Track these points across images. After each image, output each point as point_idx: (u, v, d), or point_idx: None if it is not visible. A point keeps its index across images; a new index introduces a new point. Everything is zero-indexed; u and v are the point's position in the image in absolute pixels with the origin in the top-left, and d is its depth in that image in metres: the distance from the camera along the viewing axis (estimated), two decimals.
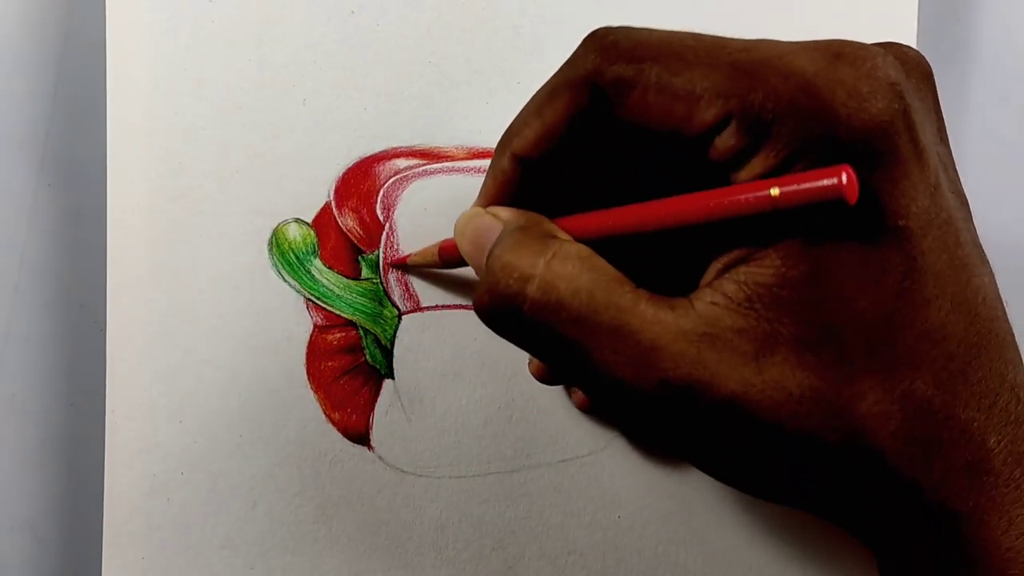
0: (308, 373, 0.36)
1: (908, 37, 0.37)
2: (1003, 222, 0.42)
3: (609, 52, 0.23)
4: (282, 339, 0.35)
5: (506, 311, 0.23)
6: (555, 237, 0.24)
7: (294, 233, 0.36)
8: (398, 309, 0.36)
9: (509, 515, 0.36)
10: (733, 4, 0.37)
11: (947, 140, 0.24)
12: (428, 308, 0.36)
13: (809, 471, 0.22)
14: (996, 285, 0.23)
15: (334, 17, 0.36)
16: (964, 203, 0.24)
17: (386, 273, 0.36)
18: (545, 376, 0.32)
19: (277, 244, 0.35)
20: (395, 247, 0.36)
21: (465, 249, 0.27)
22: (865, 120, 0.20)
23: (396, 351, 0.36)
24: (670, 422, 0.22)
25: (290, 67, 0.35)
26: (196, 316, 0.35)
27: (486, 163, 0.36)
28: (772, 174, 0.21)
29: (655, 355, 0.21)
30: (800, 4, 0.37)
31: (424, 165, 0.36)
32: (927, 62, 0.24)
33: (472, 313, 0.36)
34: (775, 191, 0.20)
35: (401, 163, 0.36)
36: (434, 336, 0.36)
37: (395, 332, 0.36)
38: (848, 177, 0.20)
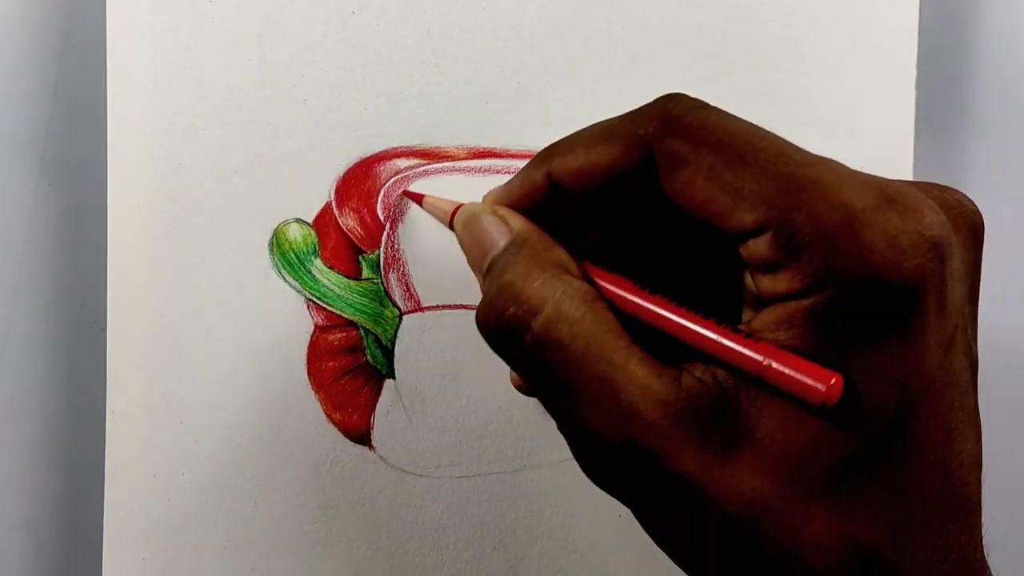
0: (309, 373, 0.36)
1: (908, 38, 0.38)
2: (1005, 222, 0.42)
3: (672, 124, 0.23)
4: (283, 339, 0.35)
5: (507, 336, 0.24)
6: (565, 270, 0.24)
7: (295, 233, 0.35)
8: (399, 309, 0.36)
9: (510, 515, 0.36)
10: (734, 2, 0.37)
11: (976, 299, 0.24)
12: (429, 308, 0.36)
13: (747, 562, 0.22)
14: (980, 449, 0.24)
15: (334, 17, 0.35)
16: (974, 365, 0.24)
17: (387, 273, 0.36)
18: (524, 388, 0.32)
19: (278, 244, 0.35)
20: (396, 247, 0.36)
21: (465, 244, 0.27)
22: (897, 275, 0.20)
23: (397, 351, 0.36)
24: (625, 478, 0.23)
25: (290, 67, 0.35)
26: (196, 316, 0.35)
27: (486, 163, 0.36)
28: (791, 296, 0.21)
29: (630, 417, 0.22)
30: (802, 4, 0.37)
31: (424, 165, 0.36)
32: (980, 216, 0.24)
33: (473, 313, 0.36)
34: (769, 363, 0.21)
35: (401, 163, 0.36)
36: (435, 336, 0.36)
37: (396, 332, 0.36)
38: (836, 386, 0.20)
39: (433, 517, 0.36)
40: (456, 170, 0.36)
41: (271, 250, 0.35)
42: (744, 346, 0.21)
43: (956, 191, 0.24)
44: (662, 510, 0.23)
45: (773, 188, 0.21)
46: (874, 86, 0.38)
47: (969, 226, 0.23)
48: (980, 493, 0.23)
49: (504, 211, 0.26)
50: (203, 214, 0.35)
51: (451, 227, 0.31)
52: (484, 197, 0.27)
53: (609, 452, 0.22)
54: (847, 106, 0.38)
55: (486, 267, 0.25)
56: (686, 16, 0.37)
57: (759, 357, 0.21)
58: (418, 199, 0.35)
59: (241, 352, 0.35)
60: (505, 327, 0.24)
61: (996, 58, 0.42)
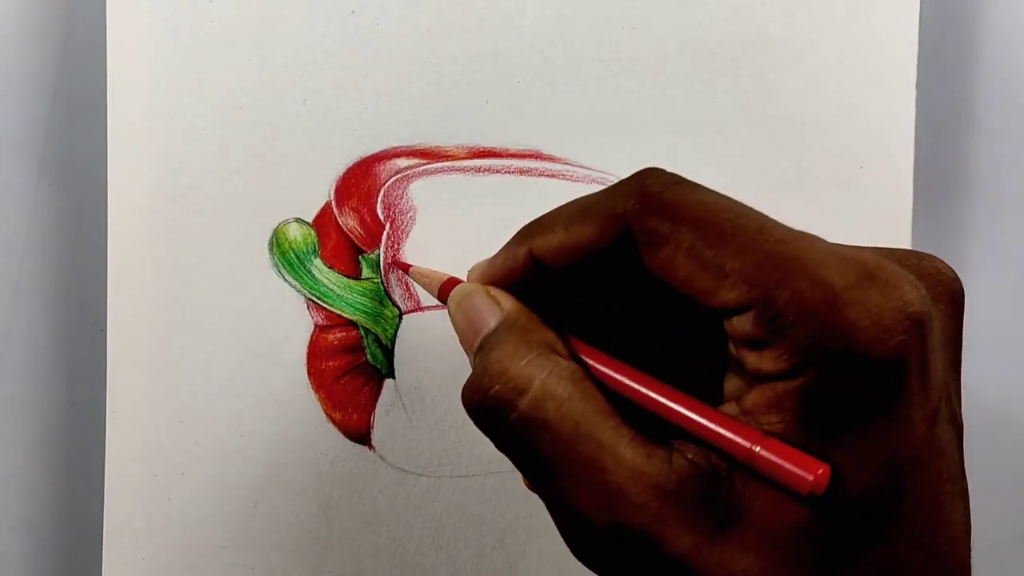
0: (309, 373, 0.36)
1: (908, 38, 0.38)
2: (1004, 220, 0.42)
3: (650, 201, 0.23)
4: (283, 339, 0.35)
5: (493, 415, 0.24)
6: (553, 350, 0.24)
7: (295, 233, 0.36)
8: (399, 309, 0.36)
9: (510, 514, 0.36)
10: (734, 2, 0.37)
11: (959, 366, 0.24)
12: (429, 308, 0.36)
13: None
14: (968, 514, 0.24)
15: (334, 17, 0.36)
16: (959, 431, 0.24)
17: (387, 273, 0.36)
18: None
19: (278, 244, 0.35)
20: (396, 247, 0.36)
21: (457, 322, 0.27)
22: (880, 353, 0.20)
23: (397, 351, 0.36)
24: (616, 563, 0.23)
25: (290, 67, 0.35)
26: (196, 316, 0.35)
27: (486, 163, 0.36)
28: (778, 376, 0.21)
29: (618, 499, 0.22)
30: (802, 4, 0.37)
31: (424, 165, 0.36)
32: (960, 285, 0.24)
33: None
34: (757, 450, 0.21)
35: (401, 163, 0.36)
36: (435, 336, 0.36)
37: (396, 332, 0.36)
38: (823, 476, 0.20)
39: (433, 517, 0.36)
40: (456, 170, 0.36)
41: (271, 250, 0.35)
42: (732, 431, 0.21)
43: (935, 258, 0.24)
44: None
45: (754, 266, 0.21)
46: (874, 86, 0.38)
47: (949, 295, 0.24)
48: (970, 558, 0.23)
49: (496, 292, 0.26)
50: (203, 214, 0.35)
51: (440, 299, 0.32)
52: (469, 272, 0.28)
53: (597, 534, 0.22)
54: (847, 106, 0.38)
55: (477, 347, 0.25)
56: (686, 16, 0.37)
57: (747, 444, 0.21)
58: (405, 268, 0.35)
59: (241, 352, 0.35)
60: (490, 406, 0.24)
61: (997, 58, 0.42)
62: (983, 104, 0.43)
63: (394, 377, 0.36)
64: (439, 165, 0.36)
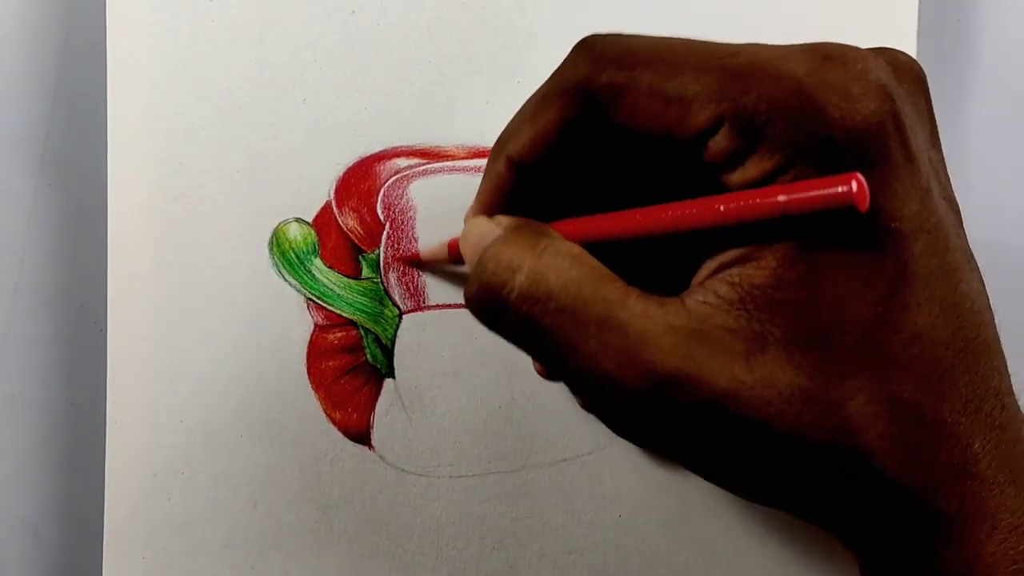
0: (309, 373, 0.36)
1: (908, 38, 0.38)
2: (1003, 222, 0.42)
3: (600, 59, 0.23)
4: (282, 339, 0.35)
5: (494, 300, 0.23)
6: (548, 235, 0.24)
7: (295, 233, 0.36)
8: (399, 308, 0.36)
9: (510, 515, 0.36)
10: (732, 4, 0.37)
11: (939, 146, 0.25)
12: (429, 307, 0.36)
13: (796, 470, 0.22)
14: (985, 291, 0.23)
15: (334, 17, 0.36)
16: (955, 209, 0.24)
17: (387, 272, 0.36)
18: (548, 373, 0.32)
19: (278, 244, 0.35)
20: (396, 246, 0.36)
21: (467, 254, 0.27)
22: (857, 122, 0.20)
23: (397, 350, 0.36)
24: (655, 418, 0.22)
25: (290, 67, 0.35)
26: (196, 316, 0.35)
27: (486, 162, 0.36)
28: (768, 177, 0.21)
29: (643, 347, 0.21)
30: (800, 5, 0.37)
31: (425, 164, 0.36)
32: (920, 67, 0.24)
33: None
34: (783, 198, 0.20)
35: (402, 162, 0.36)
36: (435, 335, 0.36)
37: (396, 331, 0.36)
38: (859, 185, 0.20)
39: (433, 517, 0.36)
40: (456, 170, 0.36)
41: (271, 250, 0.35)
42: (756, 197, 0.21)
43: (888, 48, 0.24)
44: (702, 440, 0.22)
45: (714, 83, 0.21)
46: None
47: (911, 75, 0.24)
48: (998, 339, 0.23)
49: (498, 216, 0.27)
50: (203, 214, 0.35)
51: (450, 261, 0.32)
52: (464, 217, 0.28)
53: (632, 394, 0.22)
54: None
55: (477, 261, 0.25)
56: (684, 17, 0.37)
57: (780, 198, 0.20)
58: (415, 257, 0.35)
59: (241, 352, 0.35)
60: (490, 291, 0.23)
61: (996, 59, 0.42)
62: (983, 105, 0.43)
63: (394, 377, 0.36)
64: (439, 165, 0.36)
